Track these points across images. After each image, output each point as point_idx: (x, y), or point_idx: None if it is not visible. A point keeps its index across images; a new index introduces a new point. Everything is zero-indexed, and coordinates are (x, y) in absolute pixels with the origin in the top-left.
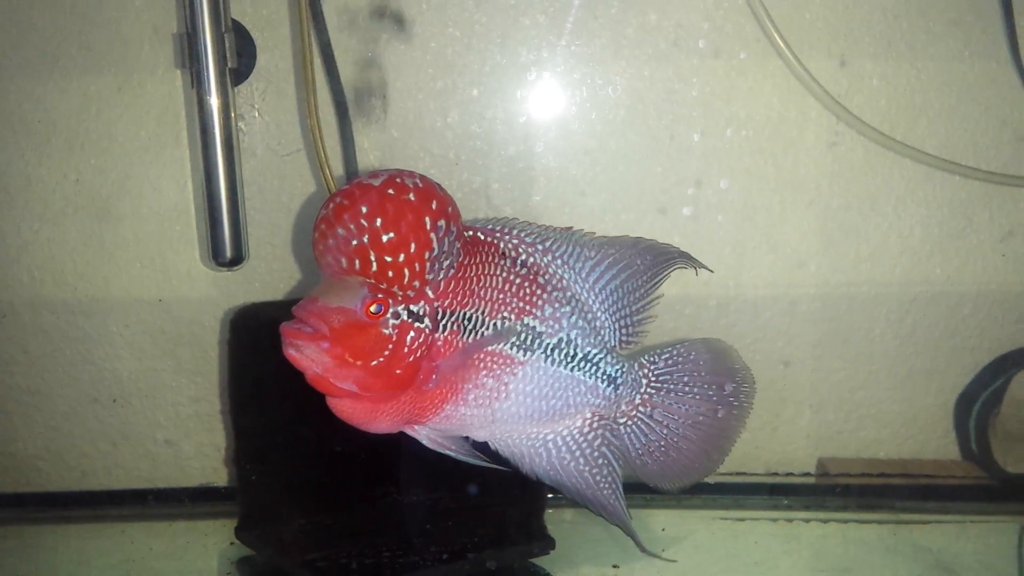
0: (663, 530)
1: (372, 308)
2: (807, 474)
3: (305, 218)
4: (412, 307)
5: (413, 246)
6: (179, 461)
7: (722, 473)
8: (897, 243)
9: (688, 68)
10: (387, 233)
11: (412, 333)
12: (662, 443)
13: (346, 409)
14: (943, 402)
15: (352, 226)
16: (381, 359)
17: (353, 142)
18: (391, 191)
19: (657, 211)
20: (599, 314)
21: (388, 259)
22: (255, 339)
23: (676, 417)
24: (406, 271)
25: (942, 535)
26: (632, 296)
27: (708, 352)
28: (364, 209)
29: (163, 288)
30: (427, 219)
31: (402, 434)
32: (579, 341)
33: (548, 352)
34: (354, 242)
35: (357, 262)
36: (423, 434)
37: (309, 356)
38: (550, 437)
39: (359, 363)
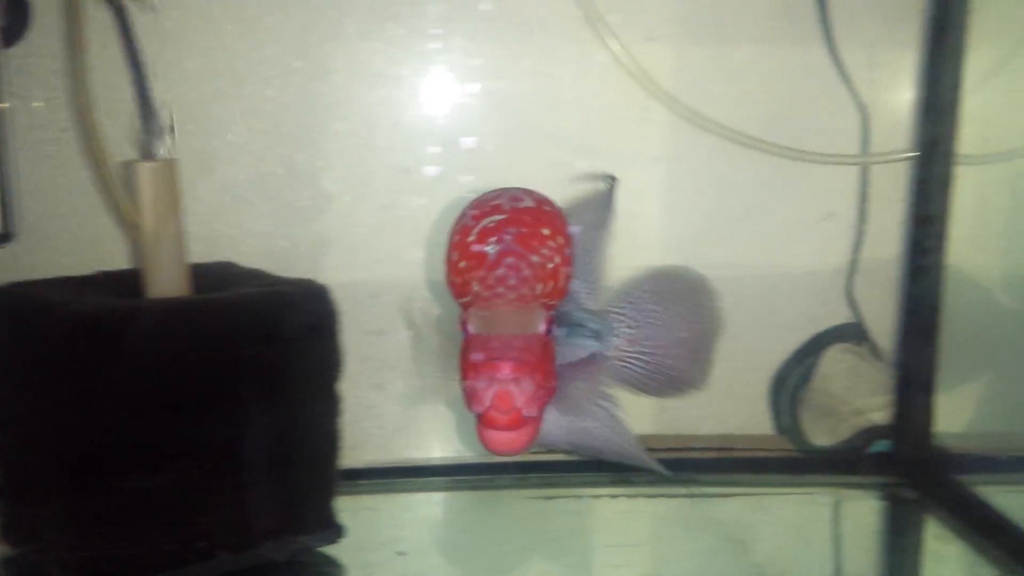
0: (461, 512)
1: (548, 327)
2: None
3: (85, 192)
4: (552, 315)
5: (571, 250)
6: None
7: (535, 452)
8: (718, 224)
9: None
10: (568, 247)
11: (552, 338)
12: (656, 366)
13: (523, 436)
14: (764, 379)
15: (544, 250)
16: (551, 373)
17: (157, 121)
18: (547, 208)
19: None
20: (575, 276)
21: (568, 271)
22: (10, 321)
23: (659, 342)
24: (570, 278)
25: (740, 507)
26: (593, 251)
27: (664, 277)
28: (547, 231)
29: None
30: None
31: (166, 419)
32: (572, 309)
33: (560, 326)
34: (549, 265)
35: (551, 284)
36: None
37: (525, 391)
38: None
39: (546, 384)
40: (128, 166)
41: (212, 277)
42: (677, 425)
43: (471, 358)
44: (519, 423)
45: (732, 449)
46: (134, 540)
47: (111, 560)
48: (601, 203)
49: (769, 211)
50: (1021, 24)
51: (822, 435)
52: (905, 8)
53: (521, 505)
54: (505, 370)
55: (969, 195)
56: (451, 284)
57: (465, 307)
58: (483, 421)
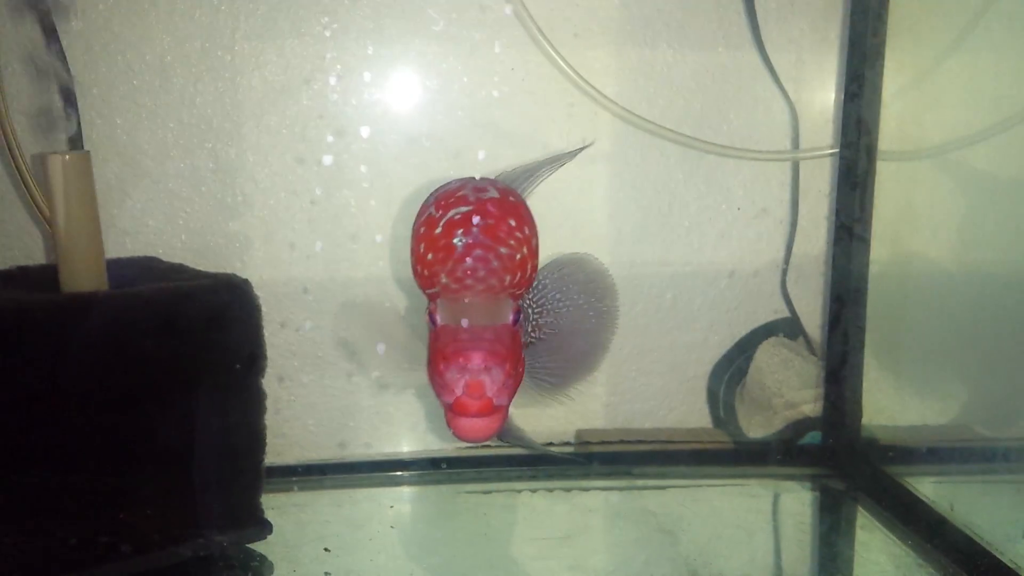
0: (392, 507)
1: (516, 316)
2: (567, 443)
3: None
4: (521, 303)
5: (536, 241)
6: None
7: (469, 447)
8: (656, 220)
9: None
10: (533, 238)
11: (520, 328)
12: (557, 355)
13: (493, 424)
14: (703, 373)
15: (512, 241)
16: (520, 361)
17: (79, 120)
18: (511, 198)
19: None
20: None
21: (535, 262)
22: None
23: (561, 331)
24: (536, 268)
25: (672, 499)
26: None
27: (569, 265)
28: (512, 222)
29: None
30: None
31: (76, 414)
32: None
33: None
34: (517, 256)
35: (518, 275)
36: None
37: (496, 380)
38: None
39: (516, 371)
40: (41, 159)
41: (133, 272)
42: (623, 419)
43: (442, 349)
44: (489, 410)
45: (669, 442)
46: (43, 538)
47: (18, 556)
48: (514, 181)
49: (705, 207)
50: (939, 19)
51: (757, 427)
52: (830, 5)
53: (455, 500)
54: (476, 360)
55: (893, 190)
56: (418, 276)
57: (432, 298)
58: (454, 408)
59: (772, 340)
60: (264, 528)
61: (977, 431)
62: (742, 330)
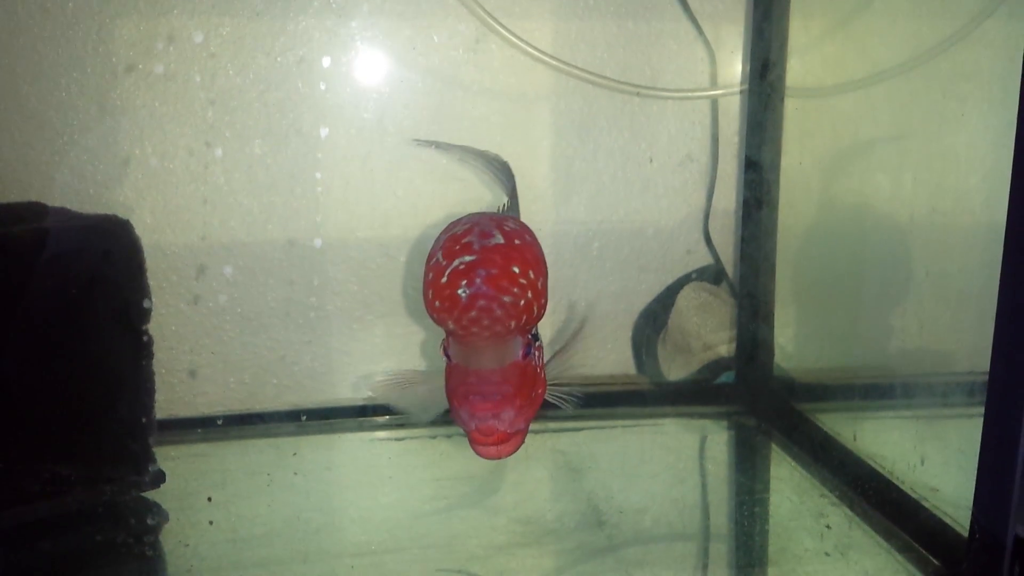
0: (294, 455)
1: (527, 350)
2: None
3: None
4: (534, 331)
5: (544, 280)
6: None
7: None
8: (581, 169)
9: None
10: (540, 279)
11: (537, 353)
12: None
13: (511, 446)
14: (630, 322)
15: (515, 289)
16: (536, 384)
17: None
18: (517, 241)
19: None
20: None
21: (543, 301)
22: None
23: None
24: (546, 304)
25: (584, 439)
26: None
27: None
28: (516, 269)
29: None
30: (541, 250)
31: None
32: None
33: None
34: (522, 302)
35: (524, 317)
36: None
37: (505, 419)
38: None
39: (530, 397)
40: None
41: (17, 215)
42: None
43: (454, 388)
44: (505, 439)
45: (586, 385)
46: None
47: None
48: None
49: (629, 155)
50: None
51: (676, 370)
52: None
53: (365, 447)
54: (484, 408)
55: (798, 132)
56: (430, 316)
57: (446, 332)
58: (471, 438)
59: (693, 284)
60: (154, 476)
61: (879, 367)
62: (668, 277)
